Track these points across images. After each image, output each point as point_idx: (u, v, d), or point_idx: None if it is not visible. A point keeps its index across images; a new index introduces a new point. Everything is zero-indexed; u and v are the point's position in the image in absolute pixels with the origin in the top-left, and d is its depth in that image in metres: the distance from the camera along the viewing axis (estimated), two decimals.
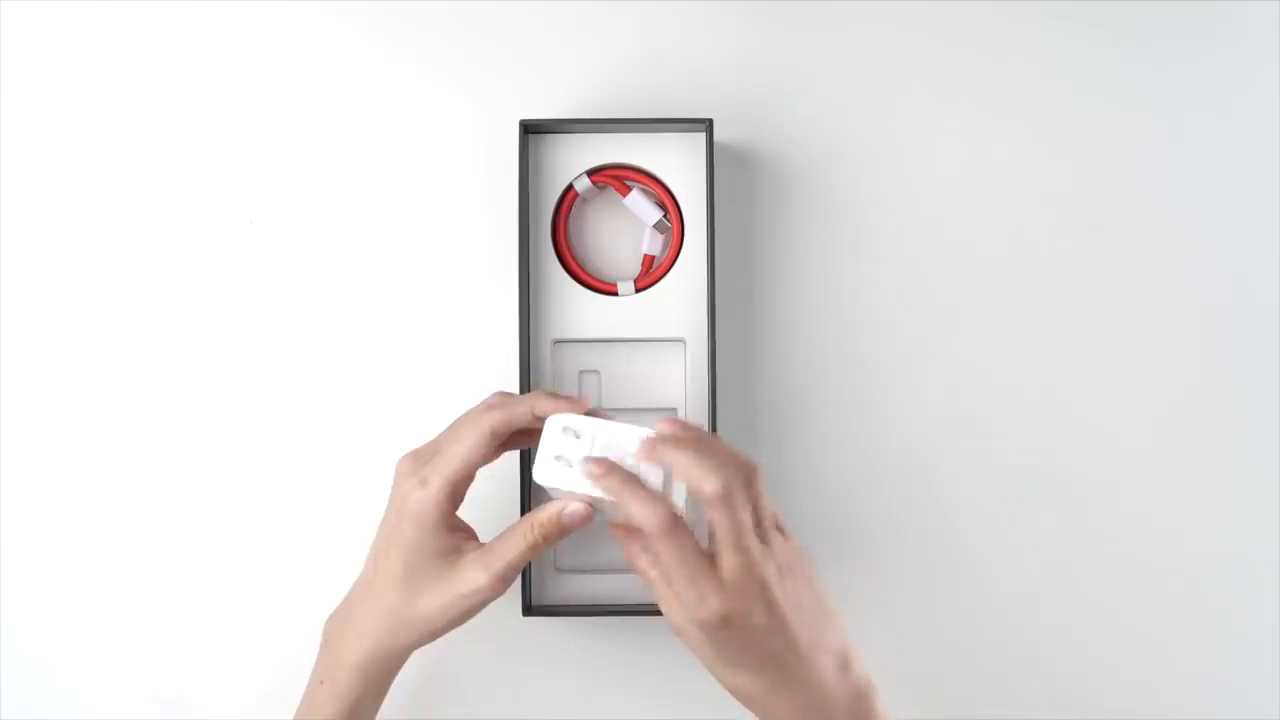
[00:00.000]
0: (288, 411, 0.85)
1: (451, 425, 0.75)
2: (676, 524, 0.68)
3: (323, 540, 0.85)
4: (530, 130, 0.83)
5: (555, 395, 0.74)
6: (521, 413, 0.74)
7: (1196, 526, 0.86)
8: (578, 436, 0.72)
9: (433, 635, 0.75)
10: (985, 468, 0.86)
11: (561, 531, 0.73)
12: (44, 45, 0.86)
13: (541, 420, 0.73)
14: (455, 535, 0.74)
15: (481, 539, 0.76)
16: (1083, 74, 0.87)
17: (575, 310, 0.84)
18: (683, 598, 0.68)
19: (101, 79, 0.86)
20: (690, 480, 0.69)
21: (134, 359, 0.86)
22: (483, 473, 0.75)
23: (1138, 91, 0.87)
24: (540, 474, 0.72)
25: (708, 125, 0.82)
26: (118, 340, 0.86)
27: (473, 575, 0.73)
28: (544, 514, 0.73)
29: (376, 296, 0.86)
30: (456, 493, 0.74)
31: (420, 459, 0.74)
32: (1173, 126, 0.87)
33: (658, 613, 0.82)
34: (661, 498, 0.70)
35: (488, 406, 0.75)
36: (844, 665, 0.72)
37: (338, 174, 0.86)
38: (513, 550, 0.73)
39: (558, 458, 0.72)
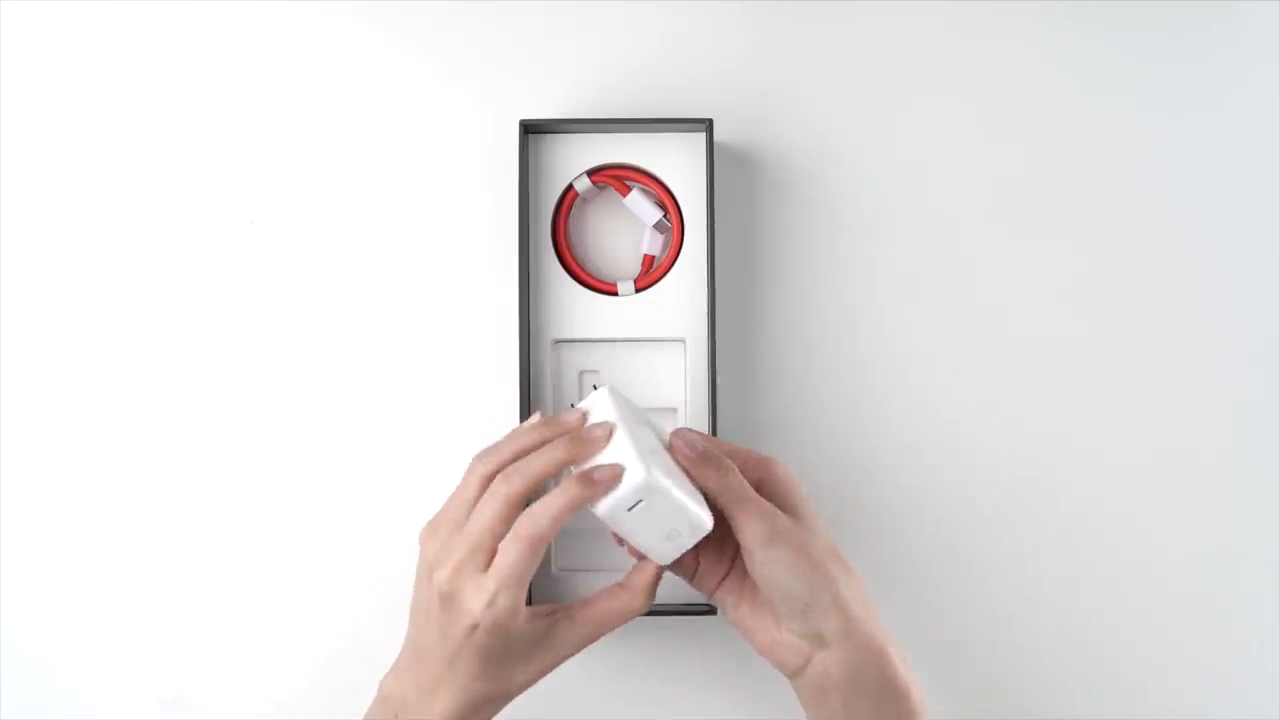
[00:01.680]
0: (288, 412, 0.85)
1: (478, 511, 0.70)
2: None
3: (323, 540, 0.85)
4: (530, 130, 0.83)
5: (549, 424, 0.73)
6: (541, 469, 0.70)
7: (1196, 526, 0.86)
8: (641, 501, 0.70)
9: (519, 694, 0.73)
10: (985, 467, 0.86)
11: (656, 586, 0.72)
12: (44, 45, 0.86)
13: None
14: (536, 621, 0.71)
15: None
16: (1082, 74, 0.87)
17: (575, 310, 0.84)
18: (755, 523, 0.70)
19: (101, 79, 0.86)
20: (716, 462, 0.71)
21: (134, 359, 0.86)
22: None
23: (1137, 91, 0.87)
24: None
25: (708, 125, 0.82)
26: (118, 340, 0.86)
27: (564, 647, 0.72)
28: (644, 580, 0.72)
29: (377, 296, 0.86)
30: (524, 591, 0.69)
31: (449, 545, 0.70)
32: (1173, 125, 0.87)
33: (658, 613, 0.82)
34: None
35: (492, 477, 0.70)
36: (904, 658, 0.74)
37: (338, 174, 0.86)
38: (613, 618, 0.72)
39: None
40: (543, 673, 0.72)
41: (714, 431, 0.82)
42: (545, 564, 0.84)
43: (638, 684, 0.85)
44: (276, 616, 0.85)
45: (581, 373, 0.84)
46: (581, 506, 0.69)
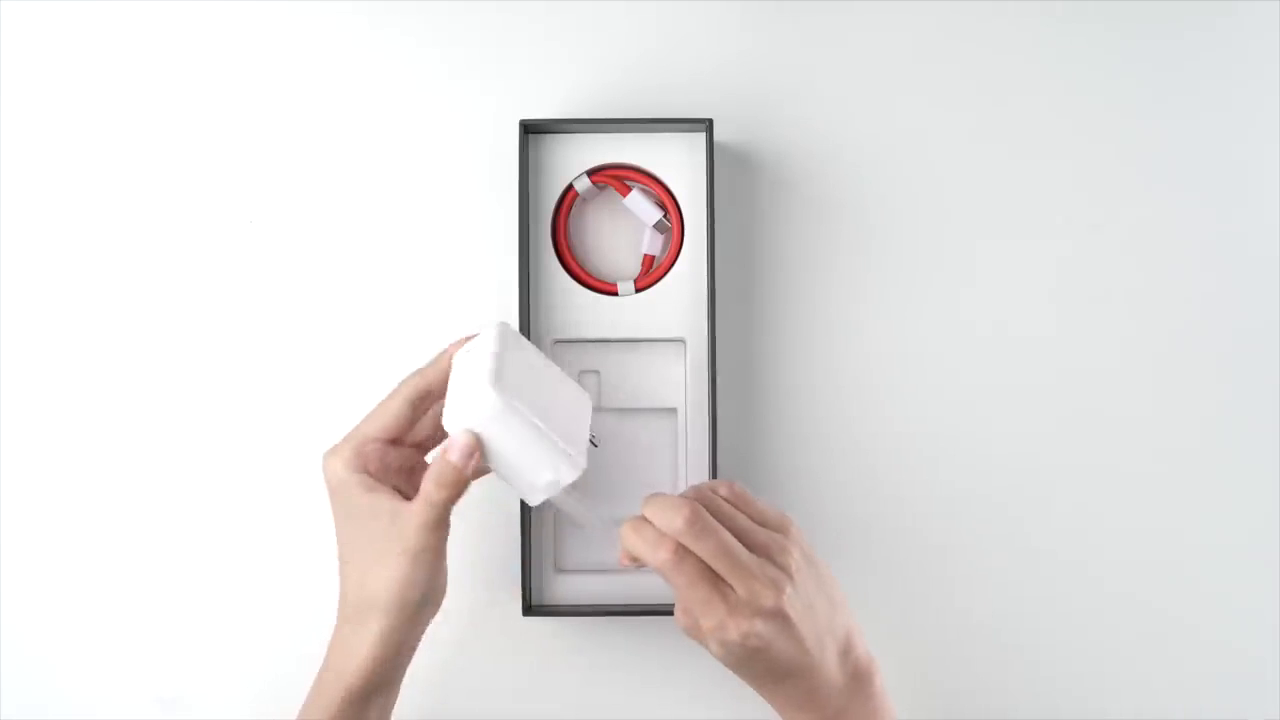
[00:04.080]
0: (288, 411, 0.85)
1: None
2: (680, 555, 0.69)
3: (323, 540, 0.85)
4: (530, 130, 0.83)
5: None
6: (435, 370, 0.74)
7: (1196, 526, 0.86)
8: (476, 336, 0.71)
9: (398, 610, 0.71)
10: (985, 467, 0.86)
11: (456, 472, 0.70)
12: (44, 45, 0.86)
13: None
14: (375, 495, 0.72)
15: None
16: (1082, 74, 0.87)
17: (575, 310, 0.84)
18: (702, 624, 0.70)
19: (101, 79, 0.86)
20: (650, 557, 0.70)
21: (134, 359, 0.85)
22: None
23: (1137, 91, 0.87)
24: (451, 419, 0.71)
25: (708, 125, 0.82)
26: (118, 340, 0.86)
27: (396, 540, 0.71)
28: (433, 466, 0.71)
29: (377, 296, 0.86)
30: (362, 451, 0.72)
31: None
32: (1173, 126, 0.87)
33: (657, 613, 0.82)
34: (662, 536, 0.70)
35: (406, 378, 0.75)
36: (846, 650, 0.73)
37: (338, 174, 0.86)
38: (420, 514, 0.71)
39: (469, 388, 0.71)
40: (390, 574, 0.71)
41: (714, 431, 0.82)
42: (545, 564, 0.84)
43: (637, 684, 0.85)
44: (276, 617, 0.85)
45: (581, 373, 0.84)
46: (424, 387, 0.73)
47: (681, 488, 0.84)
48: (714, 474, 0.82)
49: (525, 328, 0.82)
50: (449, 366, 0.74)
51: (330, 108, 0.86)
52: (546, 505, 0.74)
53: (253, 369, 0.86)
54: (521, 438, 0.70)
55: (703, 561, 0.69)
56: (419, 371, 0.75)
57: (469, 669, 0.85)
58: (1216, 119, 0.87)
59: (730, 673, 0.74)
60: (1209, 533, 0.86)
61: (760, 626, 0.69)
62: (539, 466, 0.71)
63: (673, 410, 0.84)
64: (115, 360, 0.85)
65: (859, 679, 0.74)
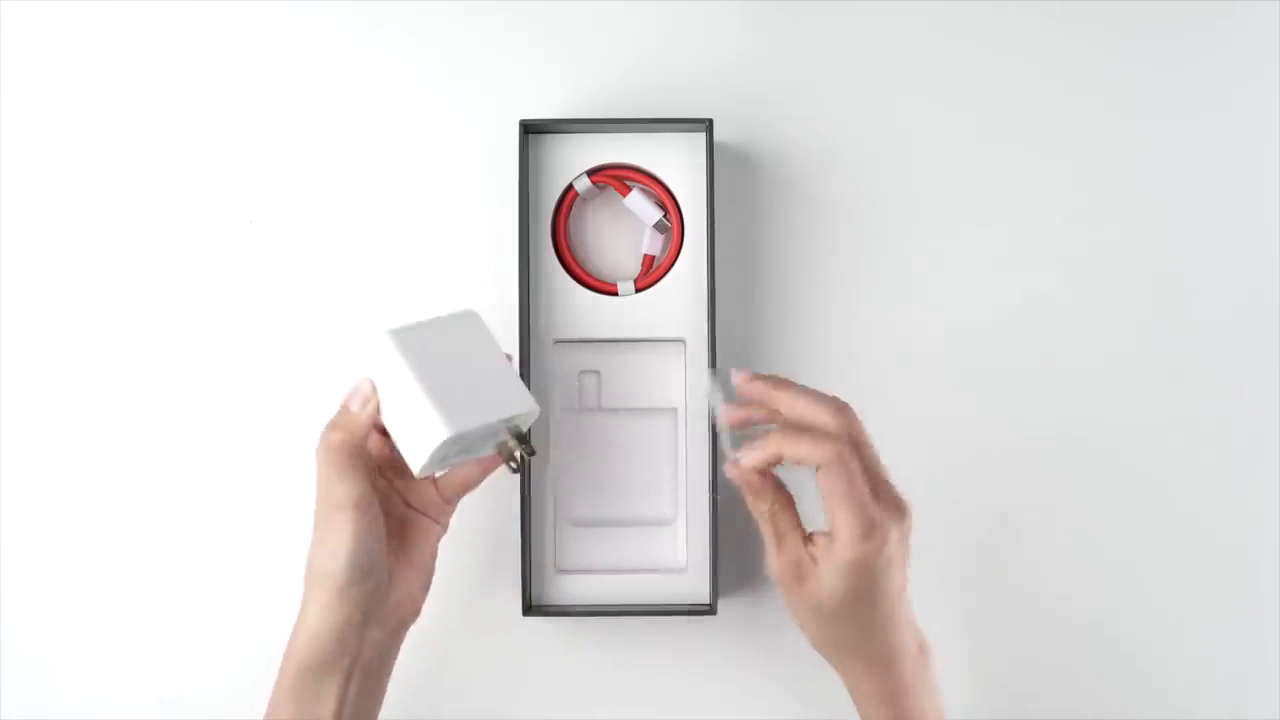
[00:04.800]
0: (287, 411, 0.85)
1: None
2: (848, 453, 0.69)
3: None
4: (530, 130, 0.83)
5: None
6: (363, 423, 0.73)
7: (1196, 526, 0.86)
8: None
9: (340, 584, 0.72)
10: (984, 467, 0.86)
11: (348, 414, 0.72)
12: (44, 45, 0.86)
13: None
14: (343, 480, 0.72)
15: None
16: (1082, 74, 0.87)
17: (575, 310, 0.84)
18: (853, 543, 0.69)
19: (101, 79, 0.86)
20: (797, 453, 0.70)
21: (134, 359, 0.85)
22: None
23: (1138, 91, 0.87)
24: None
25: (708, 125, 0.82)
26: (118, 340, 0.86)
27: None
28: (337, 414, 0.73)
29: (377, 296, 0.86)
30: (351, 442, 0.72)
31: None
32: (1173, 126, 0.87)
33: (658, 613, 0.82)
34: (831, 435, 0.70)
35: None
36: (913, 619, 0.75)
37: (338, 174, 0.86)
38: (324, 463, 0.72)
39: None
40: (328, 543, 0.72)
41: (714, 431, 0.82)
42: (545, 564, 0.84)
43: (638, 684, 0.85)
44: (276, 617, 0.85)
45: (581, 373, 0.84)
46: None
47: (681, 488, 0.84)
48: (714, 474, 0.82)
49: (525, 328, 0.82)
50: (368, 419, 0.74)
51: (330, 108, 0.86)
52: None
53: (252, 368, 0.86)
54: (405, 390, 0.70)
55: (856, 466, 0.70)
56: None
57: (469, 669, 0.85)
58: (1216, 119, 0.87)
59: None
60: (1208, 533, 0.86)
61: (900, 534, 0.70)
62: (416, 425, 0.70)
63: (673, 410, 0.84)
64: (115, 360, 0.85)
65: (924, 653, 0.74)
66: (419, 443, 0.71)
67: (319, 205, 0.86)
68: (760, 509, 0.72)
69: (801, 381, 0.85)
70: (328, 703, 0.73)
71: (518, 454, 0.72)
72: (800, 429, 0.70)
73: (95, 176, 0.86)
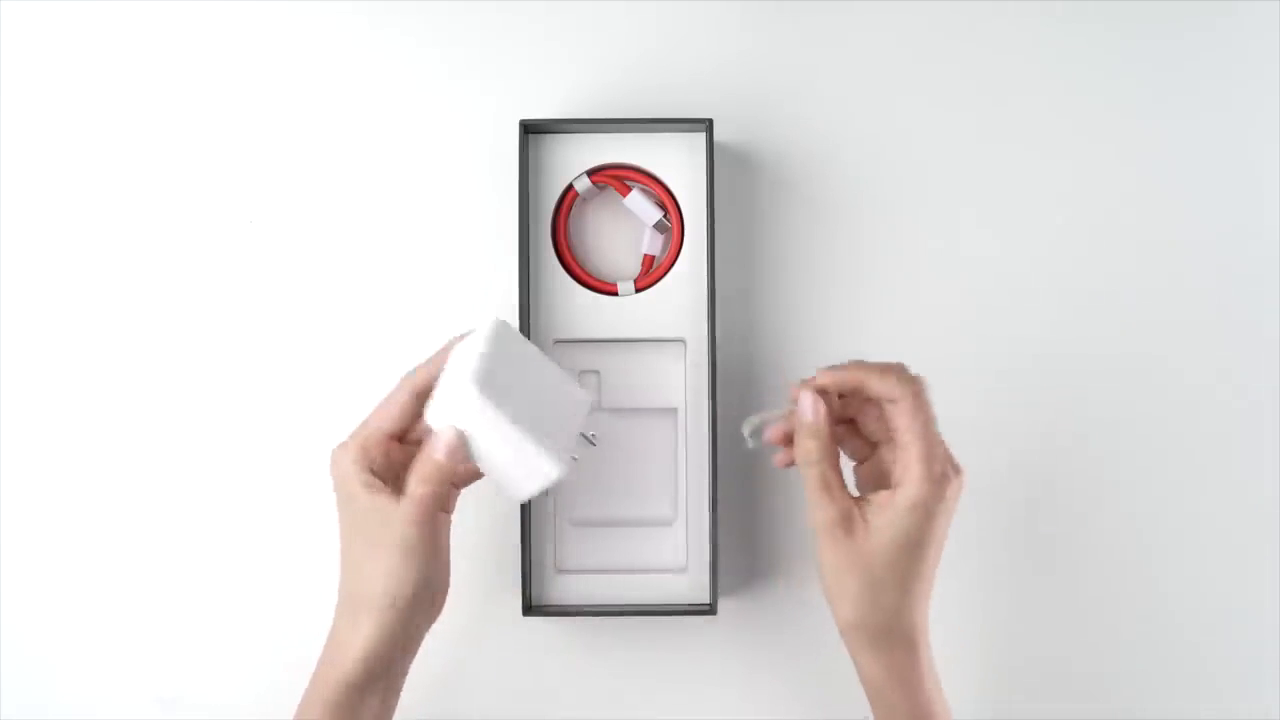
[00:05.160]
0: (287, 412, 0.85)
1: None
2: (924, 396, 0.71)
3: (322, 540, 0.85)
4: (530, 130, 0.83)
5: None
6: (436, 363, 0.74)
7: (1196, 526, 0.86)
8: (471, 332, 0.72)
9: (391, 610, 0.71)
10: (985, 467, 0.85)
11: (439, 468, 0.71)
12: (44, 45, 0.86)
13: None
14: (377, 495, 0.72)
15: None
16: (1082, 74, 0.87)
17: (575, 310, 0.84)
18: (921, 482, 0.70)
19: (101, 79, 0.86)
20: (881, 386, 0.71)
21: (134, 359, 0.86)
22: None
23: (1138, 91, 0.87)
24: (434, 413, 0.72)
25: (708, 125, 0.82)
26: (118, 340, 0.86)
27: (386, 536, 0.71)
28: (416, 463, 0.72)
29: (376, 296, 0.86)
30: (367, 445, 0.73)
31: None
32: (1173, 126, 0.87)
33: (658, 613, 0.82)
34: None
35: (410, 373, 0.75)
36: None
37: (338, 174, 0.86)
38: (405, 509, 0.71)
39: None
40: (381, 570, 0.71)
41: (714, 431, 0.82)
42: (545, 564, 0.84)
43: (638, 684, 0.85)
44: (276, 617, 0.85)
45: (581, 373, 0.84)
46: (426, 382, 0.73)
47: (682, 488, 0.84)
48: (714, 474, 0.82)
49: (525, 328, 0.82)
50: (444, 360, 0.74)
51: (330, 108, 0.86)
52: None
53: (252, 368, 0.86)
54: (504, 436, 0.70)
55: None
56: (419, 366, 0.75)
57: (469, 669, 0.85)
58: (1216, 119, 0.87)
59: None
60: (1208, 533, 0.86)
61: (955, 490, 0.71)
62: (521, 466, 0.71)
63: (673, 410, 0.84)
64: (115, 360, 0.85)
65: (925, 632, 0.73)
66: (524, 482, 0.71)
67: (319, 205, 0.86)
68: (810, 452, 0.72)
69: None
70: (366, 715, 0.74)
71: (591, 440, 0.80)
72: (878, 365, 0.72)
73: (95, 177, 0.86)
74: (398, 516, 0.71)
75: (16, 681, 0.85)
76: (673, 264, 0.84)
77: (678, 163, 0.85)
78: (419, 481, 0.71)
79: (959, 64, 0.87)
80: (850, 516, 0.71)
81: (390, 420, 0.74)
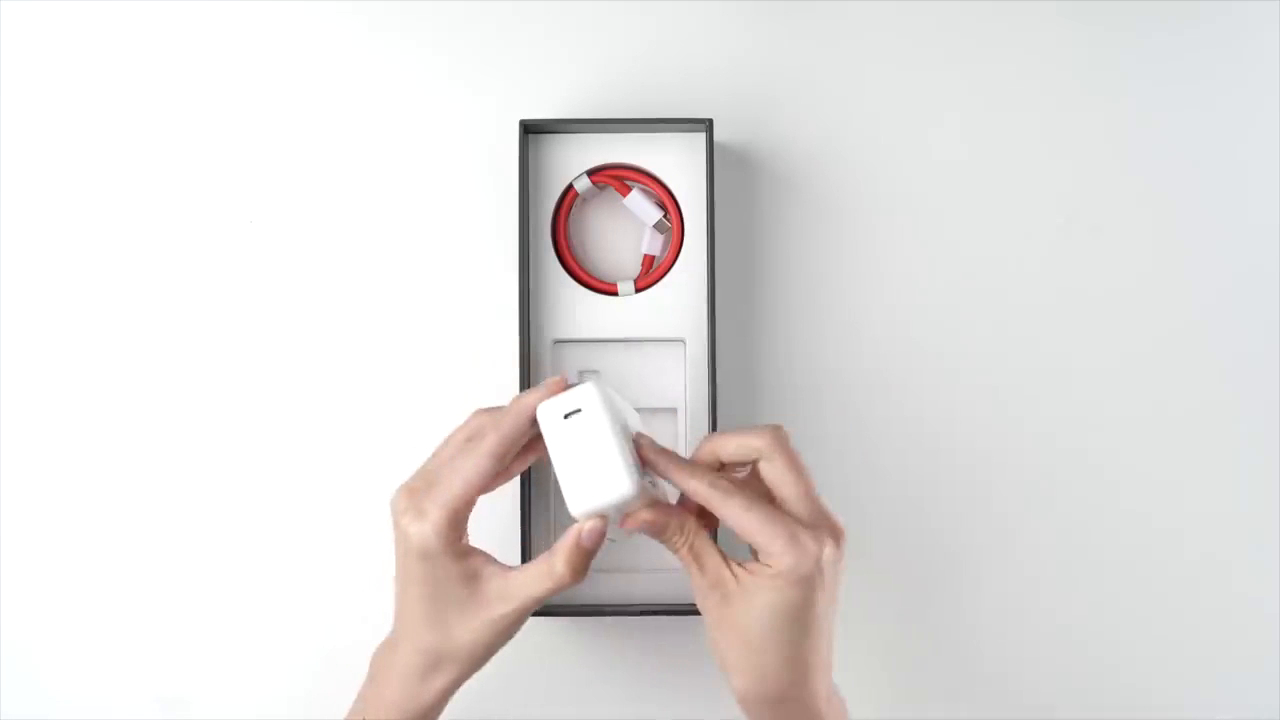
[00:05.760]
0: (287, 412, 0.85)
1: (440, 453, 0.73)
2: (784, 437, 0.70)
3: (322, 540, 0.85)
4: (530, 130, 0.83)
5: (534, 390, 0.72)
6: (515, 424, 0.71)
7: (1196, 526, 0.86)
8: (579, 410, 0.70)
9: (475, 664, 0.72)
10: (985, 468, 0.86)
11: (586, 556, 0.71)
12: (44, 45, 0.86)
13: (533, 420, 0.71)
14: (469, 560, 0.71)
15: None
16: (1082, 74, 0.87)
17: (575, 310, 0.84)
18: (782, 554, 0.67)
19: (101, 79, 0.86)
20: (742, 446, 0.71)
21: (134, 359, 0.86)
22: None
23: (1138, 91, 0.87)
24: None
25: (708, 125, 0.82)
26: (118, 341, 0.86)
27: (496, 605, 0.71)
28: (563, 545, 0.70)
29: (376, 296, 0.86)
30: (457, 520, 0.71)
31: (415, 493, 0.71)
32: (1173, 126, 0.87)
33: (658, 613, 0.82)
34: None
35: (478, 431, 0.72)
36: (829, 669, 0.72)
37: (338, 174, 0.86)
38: (535, 586, 0.71)
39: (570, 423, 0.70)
40: (480, 636, 0.71)
41: (713, 431, 0.82)
42: None
43: (638, 684, 0.85)
44: (277, 617, 0.85)
45: (581, 373, 0.84)
46: (526, 416, 0.70)
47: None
48: None
49: (525, 327, 0.82)
50: (527, 421, 0.71)
51: (330, 108, 0.86)
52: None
53: (252, 369, 0.86)
54: (598, 438, 0.70)
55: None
56: (495, 424, 0.71)
57: None
58: (1217, 119, 0.87)
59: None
60: (1208, 533, 0.86)
61: (833, 554, 0.68)
62: (598, 475, 0.70)
63: (673, 410, 0.84)
64: (115, 360, 0.86)
65: (830, 699, 0.71)
66: (595, 492, 0.70)
67: (319, 205, 0.86)
68: (676, 539, 0.71)
69: (802, 382, 0.86)
70: None
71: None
72: (729, 433, 0.72)
73: (95, 177, 0.86)
74: (520, 588, 0.70)
75: (16, 681, 0.85)
76: (673, 264, 0.84)
77: (678, 163, 0.85)
78: (568, 568, 0.70)
79: (959, 64, 0.87)
80: (723, 584, 0.69)
81: (473, 485, 0.71)
